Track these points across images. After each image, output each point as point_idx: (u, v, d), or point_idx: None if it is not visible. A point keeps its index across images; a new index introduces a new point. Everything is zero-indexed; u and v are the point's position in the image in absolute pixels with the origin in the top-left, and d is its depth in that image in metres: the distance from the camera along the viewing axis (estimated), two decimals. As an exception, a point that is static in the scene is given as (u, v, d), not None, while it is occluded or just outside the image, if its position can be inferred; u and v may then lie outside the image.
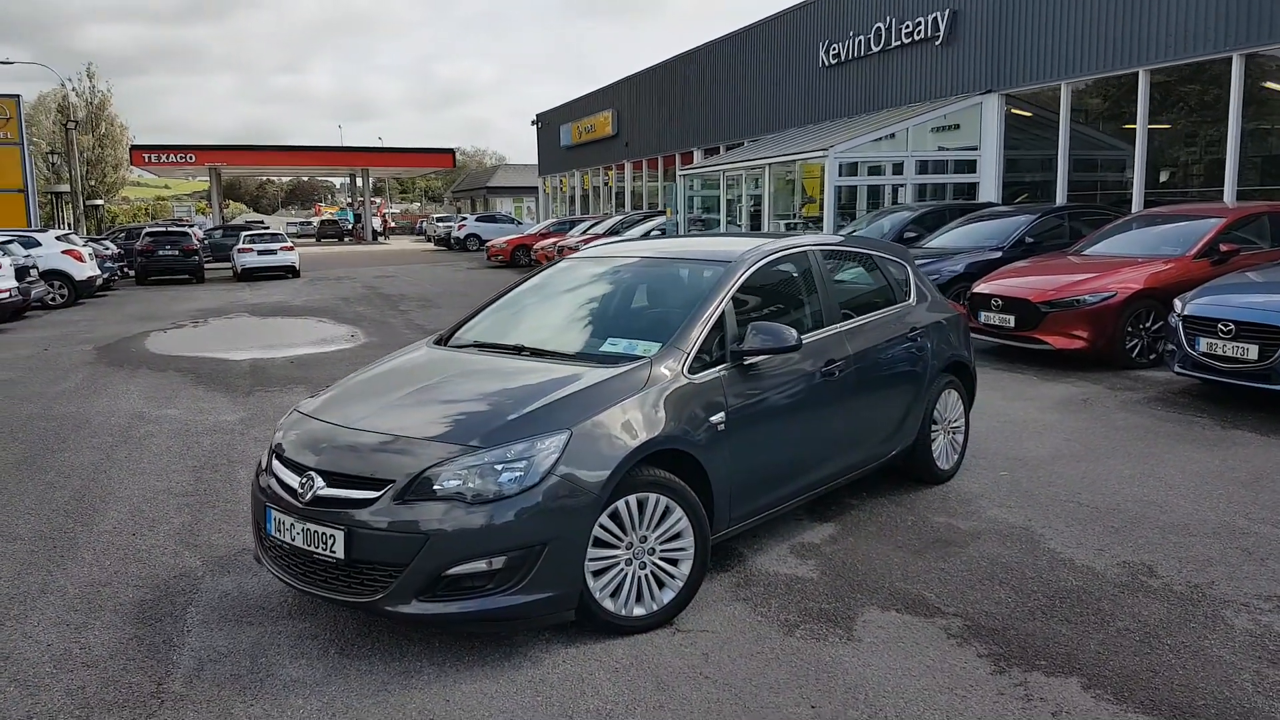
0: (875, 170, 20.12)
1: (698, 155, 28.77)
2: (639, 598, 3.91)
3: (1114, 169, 16.58)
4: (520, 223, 42.49)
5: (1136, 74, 15.00)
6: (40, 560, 4.84)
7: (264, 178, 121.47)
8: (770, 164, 19.90)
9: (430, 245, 48.18)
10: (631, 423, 3.84)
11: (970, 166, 18.68)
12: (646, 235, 23.86)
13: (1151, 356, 9.56)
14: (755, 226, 21.34)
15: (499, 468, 3.55)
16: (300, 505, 3.71)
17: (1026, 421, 7.50)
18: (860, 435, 5.18)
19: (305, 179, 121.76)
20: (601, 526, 3.75)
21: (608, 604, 3.82)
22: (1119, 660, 3.66)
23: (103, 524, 5.40)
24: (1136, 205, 15.07)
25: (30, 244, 19.15)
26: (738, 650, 3.77)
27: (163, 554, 4.91)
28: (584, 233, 26.78)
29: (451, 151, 54.07)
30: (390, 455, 3.67)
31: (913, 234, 14.82)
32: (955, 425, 6.03)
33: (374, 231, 56.27)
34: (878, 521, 5.26)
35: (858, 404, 5.10)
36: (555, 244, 26.41)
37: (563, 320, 5.02)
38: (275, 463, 3.98)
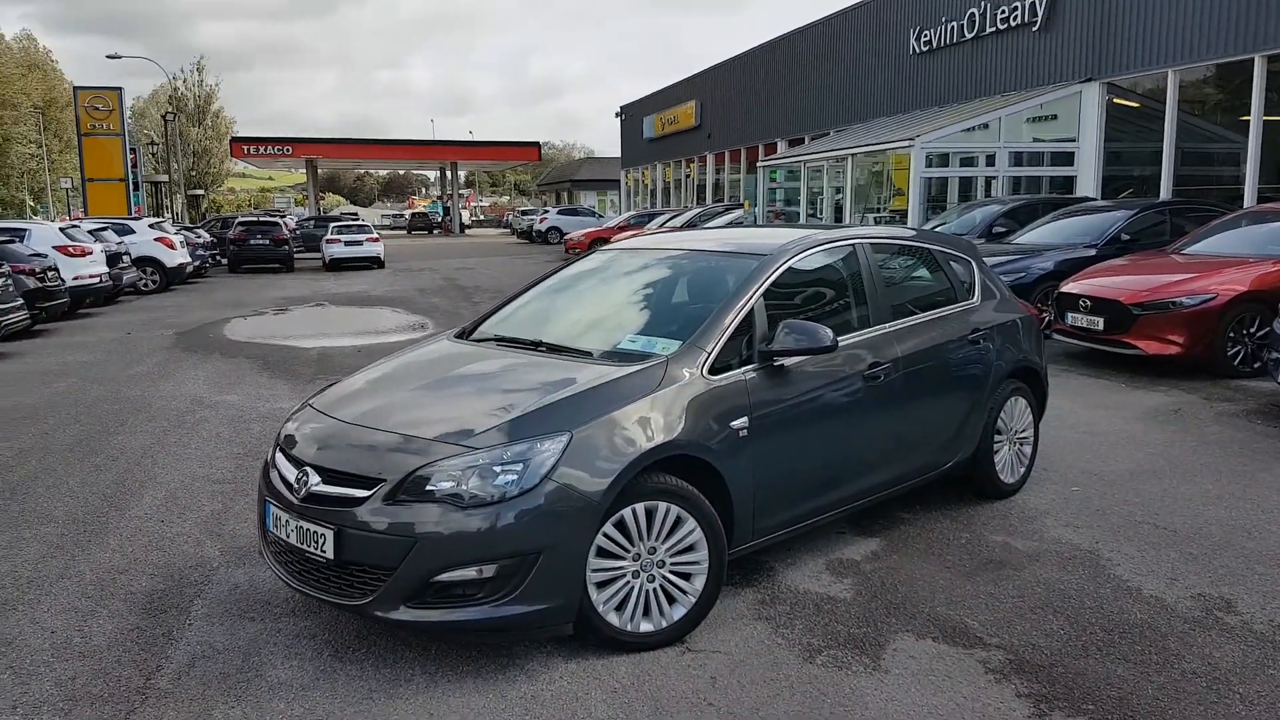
0: (968, 161, 19.34)
1: (781, 146, 28.17)
2: (647, 613, 3.65)
3: (1226, 163, 15.54)
4: (601, 216, 42.49)
5: (1251, 61, 13.99)
6: (67, 544, 4.83)
7: (362, 171, 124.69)
8: (854, 154, 19.30)
9: (514, 238, 48.62)
10: (639, 426, 3.58)
11: (1068, 159, 17.78)
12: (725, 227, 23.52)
13: (1255, 365, 8.82)
14: (838, 220, 20.78)
15: (494, 470, 3.33)
16: (295, 501, 3.57)
17: (1108, 433, 6.96)
18: (910, 445, 4.81)
19: (401, 173, 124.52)
20: (605, 536, 3.50)
21: (612, 618, 3.57)
22: (1180, 708, 3.25)
23: (136, 509, 5.39)
24: (1249, 201, 14.08)
25: (124, 231, 19.83)
26: (750, 675, 3.48)
27: (185, 542, 4.85)
28: (661, 225, 26.59)
29: (537, 145, 54.40)
30: (385, 453, 3.49)
31: (1003, 229, 14.15)
32: (1022, 436, 5.59)
33: (461, 224, 57.06)
34: (928, 538, 4.88)
35: (907, 411, 4.73)
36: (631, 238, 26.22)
37: (586, 315, 4.77)
38: (279, 456, 3.84)
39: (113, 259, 17.42)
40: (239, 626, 3.86)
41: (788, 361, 4.16)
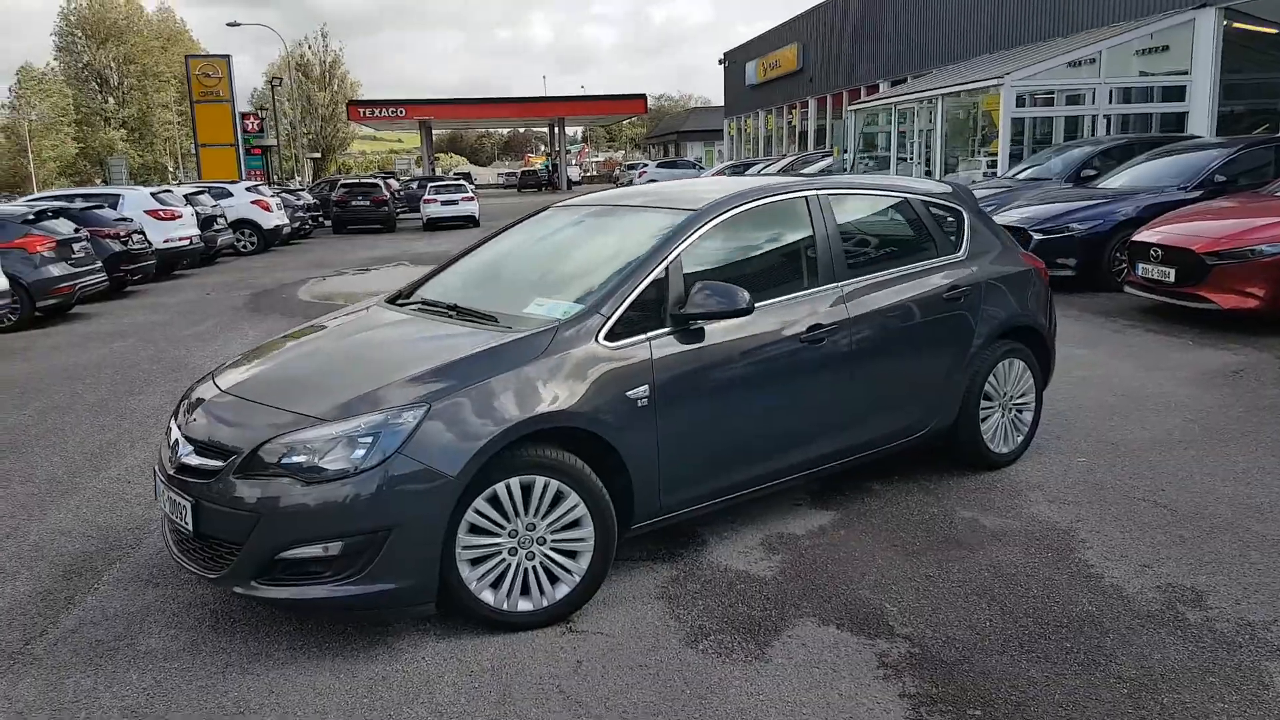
0: (1074, 100, 18.05)
1: (883, 88, 26.99)
2: (526, 592, 3.47)
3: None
4: (702, 168, 41.81)
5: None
6: (32, 505, 4.99)
7: (482, 131, 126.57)
8: (943, 95, 18.26)
9: (619, 192, 48.33)
10: (512, 397, 3.38)
11: (1179, 94, 16.37)
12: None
13: (1347, 320, 7.92)
14: (928, 166, 19.77)
15: (342, 444, 3.20)
16: (168, 473, 3.54)
17: (1149, 396, 6.35)
18: (866, 412, 4.44)
19: (521, 131, 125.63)
20: (477, 511, 3.33)
21: (486, 596, 3.41)
22: (1083, 718, 2.88)
23: (113, 470, 5.54)
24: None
25: (221, 195, 20.62)
26: (620, 660, 3.28)
27: (137, 504, 4.94)
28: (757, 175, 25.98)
29: (643, 97, 53.78)
30: (244, 426, 3.41)
31: (1091, 172, 13.16)
32: (1020, 402, 5.12)
33: (568, 180, 57.22)
34: (889, 513, 4.53)
35: (860, 375, 4.37)
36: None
37: (509, 276, 4.57)
38: (171, 425, 3.82)
39: (207, 222, 18.14)
40: (139, 593, 3.89)
41: (708, 325, 3.87)
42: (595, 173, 73.63)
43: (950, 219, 5.03)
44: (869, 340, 4.38)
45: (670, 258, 3.92)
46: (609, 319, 3.69)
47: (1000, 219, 11.29)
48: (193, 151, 45.51)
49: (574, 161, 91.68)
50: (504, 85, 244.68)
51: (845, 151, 21.65)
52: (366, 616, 3.48)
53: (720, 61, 44.88)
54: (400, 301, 4.48)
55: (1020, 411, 5.15)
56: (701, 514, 4.08)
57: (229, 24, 39.30)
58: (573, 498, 3.47)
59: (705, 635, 3.44)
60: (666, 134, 71.92)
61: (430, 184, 31.17)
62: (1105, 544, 4.12)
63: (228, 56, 35.75)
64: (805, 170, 23.44)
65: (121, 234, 13.84)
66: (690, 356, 3.81)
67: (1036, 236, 10.74)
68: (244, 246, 20.96)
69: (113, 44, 72.17)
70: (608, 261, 4.07)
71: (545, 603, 3.50)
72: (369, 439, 3.20)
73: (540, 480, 3.41)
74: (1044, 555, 4.04)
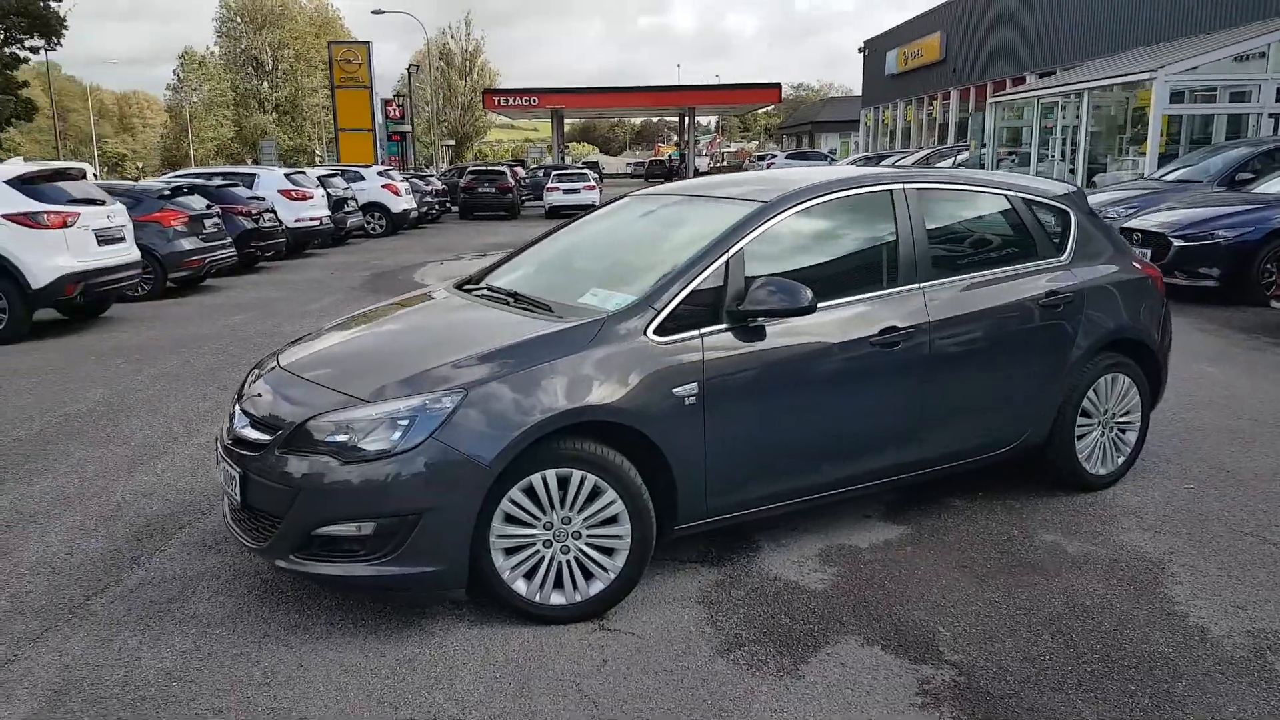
0: (1238, 97, 16.81)
1: (1030, 81, 25.77)
2: (559, 585, 3.41)
3: None
4: (834, 160, 40.94)
5: None
6: (123, 467, 5.24)
7: (615, 120, 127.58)
8: (1089, 89, 17.26)
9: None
10: (550, 387, 3.31)
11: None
12: (947, 176, 21.95)
13: None
14: (1071, 164, 18.76)
15: (381, 426, 3.20)
16: (225, 444, 3.63)
17: (1278, 422, 5.82)
18: (945, 423, 4.19)
19: (655, 120, 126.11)
20: (512, 501, 3.29)
21: (519, 586, 3.37)
22: (1135, 772, 2.62)
23: (202, 437, 5.76)
24: None
25: (354, 178, 21.39)
26: (646, 664, 3.18)
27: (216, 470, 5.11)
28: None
29: (777, 86, 52.87)
30: (294, 403, 3.45)
31: (1248, 176, 12.22)
32: (1123, 421, 4.74)
33: (696, 170, 57.00)
34: (964, 530, 4.27)
35: (939, 384, 4.11)
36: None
37: (573, 265, 4.50)
38: (234, 400, 3.92)
39: (339, 204, 18.85)
40: (200, 558, 4.02)
41: (770, 325, 3.72)
42: (726, 163, 73.19)
43: (1056, 221, 4.69)
44: (951, 346, 4.13)
45: (732, 251, 3.78)
46: (659, 313, 3.57)
47: (1139, 222, 10.60)
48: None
49: (705, 151, 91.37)
50: (641, 74, 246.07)
51: (983, 146, 20.74)
52: (401, 597, 3.49)
53: (860, 50, 43.84)
54: (468, 287, 4.48)
55: (1123, 431, 4.77)
56: (755, 519, 3.93)
57: (373, 11, 40.66)
58: (610, 494, 3.38)
59: (739, 645, 3.30)
60: (801, 124, 70.82)
61: (554, 172, 31.57)
62: (1198, 580, 3.77)
63: (368, 43, 37.07)
64: (938, 166, 22.63)
65: (253, 212, 14.51)
66: (746, 356, 3.67)
67: (1177, 243, 10.03)
68: (373, 229, 21.71)
69: (269, 29, 76.11)
70: (670, 253, 3.95)
71: (578, 598, 3.43)
72: (405, 422, 3.19)
73: (577, 474, 3.34)
74: (1126, 587, 3.72)
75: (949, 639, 3.34)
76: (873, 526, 4.33)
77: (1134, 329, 4.70)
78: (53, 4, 38.31)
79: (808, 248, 4.13)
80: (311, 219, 16.82)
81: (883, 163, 26.72)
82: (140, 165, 72.56)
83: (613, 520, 3.42)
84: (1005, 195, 4.59)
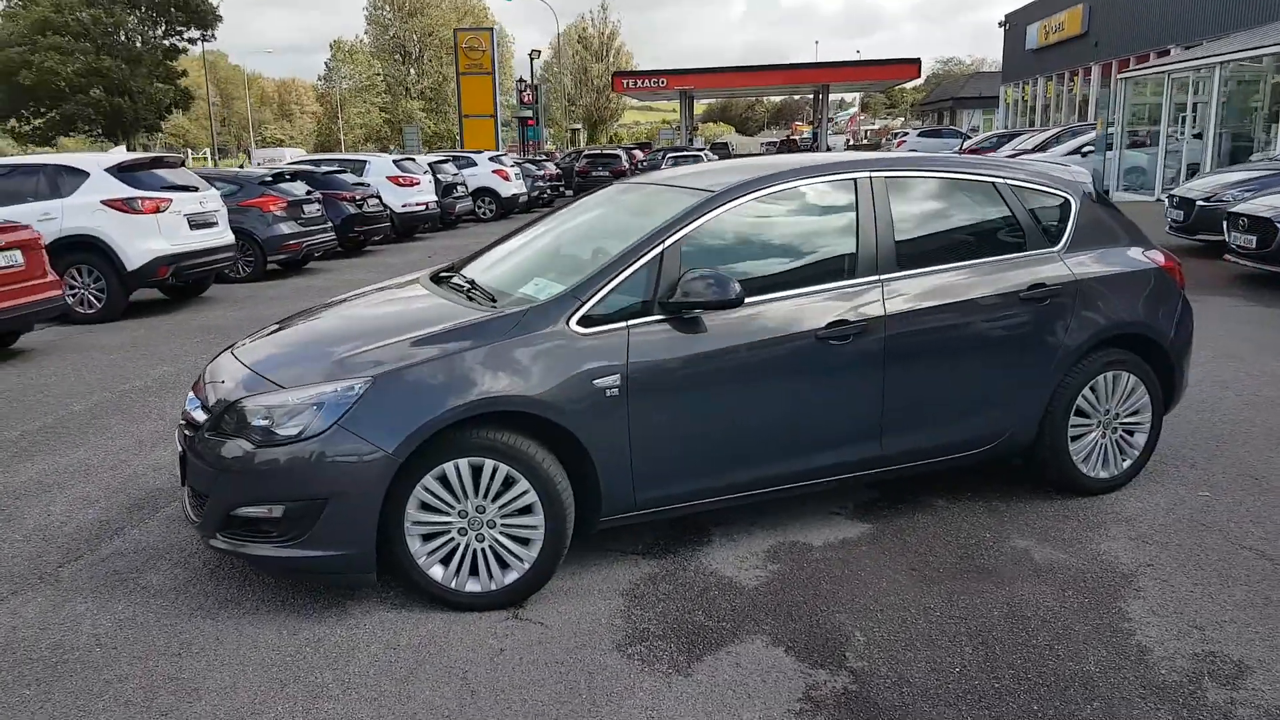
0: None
1: (1175, 53, 24.02)
2: (474, 572, 3.47)
3: None
4: (968, 136, 39.23)
5: None
6: (149, 441, 5.59)
7: (755, 100, 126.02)
8: (1220, 63, 15.97)
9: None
10: (461, 377, 3.35)
11: None
12: (1077, 151, 20.76)
13: None
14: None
15: (293, 411, 3.31)
16: (181, 423, 3.84)
17: (1344, 423, 5.30)
18: (907, 419, 4.01)
19: (796, 98, 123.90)
20: (426, 489, 3.36)
21: (435, 572, 3.44)
22: (991, 799, 2.48)
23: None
24: None
25: (466, 164, 21.98)
26: (541, 655, 3.19)
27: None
28: (1014, 149, 24.09)
29: (916, 61, 50.97)
30: (228, 388, 3.61)
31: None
32: (1130, 422, 4.42)
33: (829, 149, 55.78)
34: (933, 531, 4.09)
35: (900, 380, 3.94)
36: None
37: (535, 254, 4.49)
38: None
39: (448, 189, 19.43)
40: (175, 531, 4.26)
41: (708, 317, 3.66)
42: (866, 140, 71.23)
43: (1052, 209, 4.40)
44: (911, 341, 3.95)
45: (668, 242, 3.73)
46: (584, 303, 3.56)
47: (1246, 207, 9.79)
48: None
49: (846, 128, 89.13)
50: (782, 54, 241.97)
51: (1110, 125, 19.49)
52: (304, 579, 3.62)
53: (1000, 24, 41.83)
54: (441, 276, 4.57)
55: (1130, 433, 4.45)
56: (696, 512, 3.88)
57: (505, -1, 41.65)
58: (523, 484, 3.41)
59: (642, 640, 3.28)
60: (942, 100, 68.19)
61: (669, 154, 31.54)
62: (1165, 596, 3.49)
63: (491, 30, 38.01)
64: (1061, 147, 21.42)
65: (356, 198, 15.13)
66: (676, 347, 3.61)
67: (1286, 229, 9.21)
68: (483, 213, 22.27)
69: (417, 18, 78.73)
70: (612, 243, 3.92)
71: (494, 586, 3.47)
72: (314, 408, 3.29)
73: (490, 463, 3.38)
74: (1081, 599, 3.49)
75: (861, 645, 3.22)
76: (836, 524, 4.20)
77: (1139, 324, 4.36)
78: (208, -4, 40.91)
79: (758, 238, 4.02)
80: (418, 204, 17.41)
81: (1009, 142, 25.47)
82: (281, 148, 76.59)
83: (527, 510, 3.44)
84: (992, 182, 4.33)
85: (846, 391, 3.89)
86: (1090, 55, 30.85)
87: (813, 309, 3.82)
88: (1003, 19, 41.52)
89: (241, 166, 24.37)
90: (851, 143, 68.59)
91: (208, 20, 41.17)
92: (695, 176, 4.38)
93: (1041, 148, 22.43)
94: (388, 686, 3.03)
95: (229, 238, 10.84)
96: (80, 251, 9.44)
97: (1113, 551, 3.87)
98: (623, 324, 3.57)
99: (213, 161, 53.77)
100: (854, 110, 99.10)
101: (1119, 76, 20.30)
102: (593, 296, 3.58)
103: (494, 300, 3.85)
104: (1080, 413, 4.32)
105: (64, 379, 7.23)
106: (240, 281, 12.25)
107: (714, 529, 4.15)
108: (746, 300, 3.70)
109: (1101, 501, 4.37)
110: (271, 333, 4.17)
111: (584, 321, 3.54)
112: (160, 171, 10.22)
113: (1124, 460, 4.47)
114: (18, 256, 7.64)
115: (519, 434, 3.42)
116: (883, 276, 3.96)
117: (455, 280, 4.36)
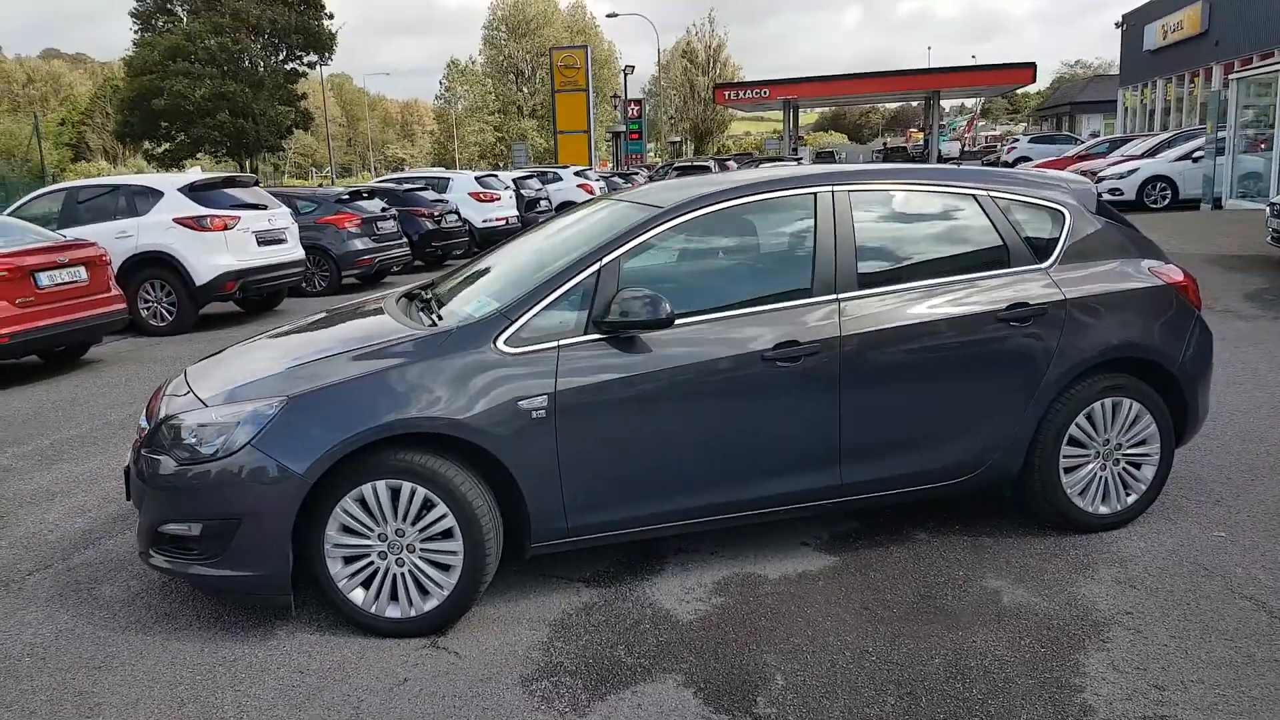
0: None
1: (1306, 53, 22.40)
2: (394, 598, 3.41)
3: None
4: (1080, 142, 37.49)
5: None
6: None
7: (869, 107, 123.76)
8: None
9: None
10: (376, 398, 3.29)
11: None
12: (1188, 157, 19.57)
13: None
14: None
15: (211, 431, 3.33)
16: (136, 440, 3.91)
17: None
18: (869, 447, 3.77)
19: (914, 104, 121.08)
20: (345, 510, 3.33)
21: (356, 595, 3.40)
22: None
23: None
24: None
25: (552, 179, 22.20)
26: (445, 687, 3.10)
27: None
28: (1123, 155, 22.91)
29: (1031, 66, 49.11)
30: (170, 402, 3.66)
31: None
32: (1136, 454, 4.06)
33: (940, 156, 54.21)
34: (900, 568, 3.84)
35: (859, 404, 3.70)
36: (1081, 169, 23.04)
37: (496, 272, 4.40)
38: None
39: (531, 203, 19.67)
40: (149, 543, 4.36)
41: (646, 336, 3.52)
42: (982, 146, 68.94)
43: (1043, 224, 4.09)
44: (871, 363, 3.71)
45: (606, 260, 3.61)
46: (514, 323, 3.48)
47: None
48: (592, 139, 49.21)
49: (962, 135, 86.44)
50: (900, 60, 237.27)
51: (1220, 128, 18.26)
52: (229, 599, 3.63)
53: (1117, 24, 39.89)
54: (413, 293, 4.55)
55: (1136, 466, 4.09)
56: (635, 540, 3.74)
57: (608, 15, 42.10)
58: (441, 508, 3.34)
59: (551, 675, 3.16)
60: (1060, 105, 65.48)
61: (760, 164, 31.22)
62: (1133, 649, 3.17)
63: (585, 48, 38.41)
64: (1170, 152, 20.22)
65: (435, 214, 15.45)
66: (610, 368, 3.49)
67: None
68: (570, 225, 22.41)
69: (529, 38, 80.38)
70: (560, 260, 3.82)
71: (413, 613, 3.41)
72: (232, 427, 3.30)
73: (408, 486, 3.32)
74: (1037, 649, 3.20)
75: (778, 689, 3.03)
76: (801, 556, 3.98)
77: (1141, 346, 4.00)
78: (325, 22, 42.68)
79: (707, 256, 3.88)
80: (498, 219, 17.66)
81: (1121, 148, 24.22)
82: (403, 166, 79.13)
83: (447, 535, 3.37)
84: (973, 195, 4.05)
85: (796, 416, 3.68)
86: (1211, 55, 29.08)
87: (760, 329, 3.64)
88: (1119, 19, 39.61)
89: (320, 185, 25.38)
90: (965, 149, 66.46)
91: (325, 45, 42.99)
92: (653, 193, 4.25)
93: (1151, 153, 21.25)
94: (280, 712, 3.00)
95: (298, 254, 11.20)
96: (153, 267, 9.91)
97: (1092, 596, 3.54)
98: (553, 344, 3.47)
99: (331, 180, 55.99)
100: (969, 116, 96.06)
101: (1231, 77, 19.01)
102: (523, 315, 3.50)
103: (439, 319, 3.81)
104: (1075, 442, 3.99)
105: (114, 389, 7.57)
106: (315, 295, 12.65)
107: (671, 556, 4.00)
108: (691, 319, 3.59)
109: (1099, 540, 4.02)
110: (231, 350, 4.23)
111: (513, 341, 3.46)
112: (231, 191, 10.65)
113: (1129, 495, 4.10)
114: (82, 273, 8.06)
115: (439, 456, 3.35)
116: (840, 295, 3.74)
117: (422, 296, 4.34)
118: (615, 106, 42.31)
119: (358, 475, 3.30)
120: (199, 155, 42.67)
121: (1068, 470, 4.01)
